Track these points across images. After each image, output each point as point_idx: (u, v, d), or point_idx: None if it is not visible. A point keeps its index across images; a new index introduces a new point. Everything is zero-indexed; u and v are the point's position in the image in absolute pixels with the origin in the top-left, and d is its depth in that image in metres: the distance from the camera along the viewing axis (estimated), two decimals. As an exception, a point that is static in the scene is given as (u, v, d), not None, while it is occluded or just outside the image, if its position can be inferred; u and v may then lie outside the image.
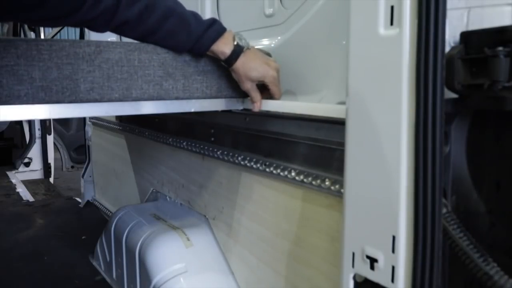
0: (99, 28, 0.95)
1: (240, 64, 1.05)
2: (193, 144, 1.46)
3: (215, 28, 1.03)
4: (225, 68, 1.09)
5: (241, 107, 1.19)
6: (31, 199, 3.35)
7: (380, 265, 0.68)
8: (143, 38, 1.00)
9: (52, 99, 0.91)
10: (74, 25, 0.93)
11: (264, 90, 1.11)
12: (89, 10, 0.90)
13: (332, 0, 1.05)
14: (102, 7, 0.91)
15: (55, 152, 4.63)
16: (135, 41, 1.02)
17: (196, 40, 1.01)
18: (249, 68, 1.06)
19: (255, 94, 1.09)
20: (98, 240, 1.89)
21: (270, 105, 1.11)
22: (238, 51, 1.04)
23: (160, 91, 1.04)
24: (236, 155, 1.24)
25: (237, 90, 1.14)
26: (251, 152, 1.20)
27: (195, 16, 1.02)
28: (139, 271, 1.44)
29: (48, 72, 0.90)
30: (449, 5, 0.60)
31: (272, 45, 1.26)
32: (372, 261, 0.69)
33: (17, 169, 4.33)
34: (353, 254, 0.73)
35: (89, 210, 2.74)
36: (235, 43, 1.04)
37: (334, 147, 0.93)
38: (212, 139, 1.37)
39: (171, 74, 1.04)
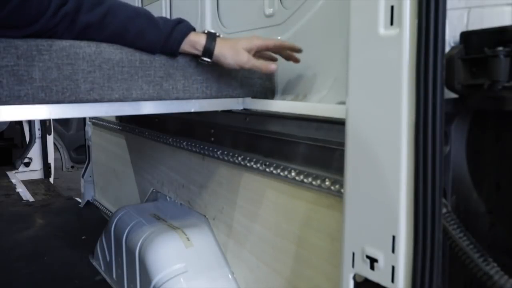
0: (62, 36, 0.93)
1: (223, 44, 1.01)
2: (193, 144, 1.46)
3: (184, 24, 1.02)
4: (224, 68, 1.09)
5: (241, 107, 1.19)
6: (31, 199, 3.35)
7: (380, 265, 0.68)
8: (112, 41, 0.98)
9: (52, 99, 0.91)
10: (35, 35, 0.90)
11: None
12: (52, 17, 0.89)
13: (332, 0, 1.05)
14: (63, 13, 0.90)
15: (55, 152, 4.63)
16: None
17: (166, 38, 1.00)
18: (233, 42, 1.03)
19: (259, 62, 1.04)
20: (98, 240, 1.89)
21: (270, 105, 1.11)
22: (213, 35, 1.02)
23: (160, 92, 1.04)
24: (236, 155, 1.24)
25: (237, 90, 1.14)
26: (251, 152, 1.20)
27: (162, 17, 1.02)
28: (139, 271, 1.44)
29: (48, 73, 0.90)
30: (449, 5, 0.60)
31: (272, 45, 1.26)
32: (372, 261, 0.69)
33: (17, 169, 4.34)
34: (353, 254, 0.73)
35: (89, 210, 2.74)
36: (206, 32, 1.03)
37: (334, 147, 0.93)
38: (212, 139, 1.37)
39: (171, 75, 1.04)
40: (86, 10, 0.93)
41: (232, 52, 1.02)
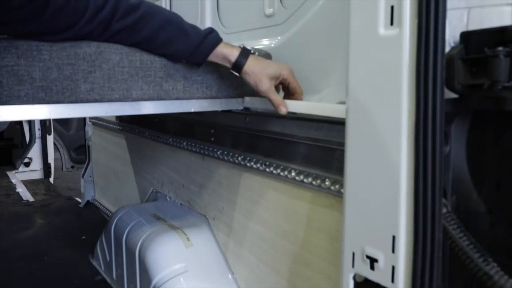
0: (95, 39, 0.94)
1: (253, 63, 1.01)
2: (193, 144, 1.46)
3: (214, 35, 1.02)
4: (224, 68, 1.08)
5: (241, 107, 1.19)
6: (31, 199, 3.34)
7: (380, 265, 0.68)
8: (138, 46, 0.99)
9: (52, 100, 0.91)
10: (70, 39, 0.92)
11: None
12: (86, 24, 0.90)
13: (332, 0, 1.05)
14: (98, 21, 0.91)
15: (55, 152, 4.63)
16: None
17: (195, 48, 1.00)
18: (263, 65, 1.02)
19: (276, 97, 1.03)
20: (98, 240, 1.89)
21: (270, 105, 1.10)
22: (247, 52, 1.02)
23: (160, 92, 1.04)
24: (236, 155, 1.24)
25: (237, 90, 1.14)
26: (251, 152, 1.20)
27: (193, 27, 1.02)
28: (139, 271, 1.44)
29: (48, 73, 0.90)
30: (449, 5, 0.60)
31: (272, 45, 1.26)
32: (372, 261, 0.69)
33: (17, 169, 4.33)
34: (353, 254, 0.73)
35: (89, 210, 2.74)
36: (241, 46, 1.03)
37: (334, 147, 0.93)
38: (212, 139, 1.37)
39: (171, 75, 1.04)
40: (120, 16, 0.93)
41: (257, 76, 1.01)
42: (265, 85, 1.01)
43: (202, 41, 1.00)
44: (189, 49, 1.00)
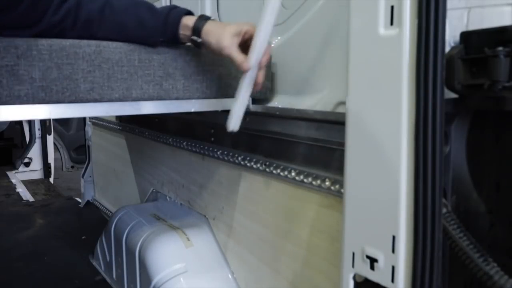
0: (69, 33, 0.95)
1: (212, 24, 1.00)
2: (193, 144, 1.46)
3: (180, 8, 1.04)
4: (224, 68, 1.08)
5: (241, 107, 1.19)
6: (31, 199, 3.35)
7: (380, 265, 0.68)
8: (116, 34, 0.99)
9: (52, 99, 0.91)
10: (45, 34, 0.92)
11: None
12: (53, 14, 0.91)
13: (332, 0, 1.05)
14: (65, 9, 0.93)
15: (55, 152, 4.64)
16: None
17: (164, 20, 1.01)
18: (223, 24, 1.02)
19: (238, 54, 0.97)
20: (98, 240, 1.89)
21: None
22: (206, 17, 1.02)
23: (160, 91, 1.04)
24: (236, 155, 1.24)
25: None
26: (251, 152, 1.20)
27: (161, 7, 1.04)
28: (139, 271, 1.44)
29: (48, 72, 0.90)
30: (449, 5, 0.60)
31: (272, 45, 1.26)
32: (372, 261, 0.69)
33: (17, 169, 4.34)
34: (353, 254, 0.73)
35: (89, 210, 2.74)
36: (199, 15, 1.03)
37: (334, 147, 0.93)
38: (212, 139, 1.37)
39: (171, 74, 1.04)
40: (86, 2, 0.95)
41: (217, 33, 0.98)
42: (227, 40, 0.97)
43: (170, 12, 1.01)
44: (160, 23, 1.01)
